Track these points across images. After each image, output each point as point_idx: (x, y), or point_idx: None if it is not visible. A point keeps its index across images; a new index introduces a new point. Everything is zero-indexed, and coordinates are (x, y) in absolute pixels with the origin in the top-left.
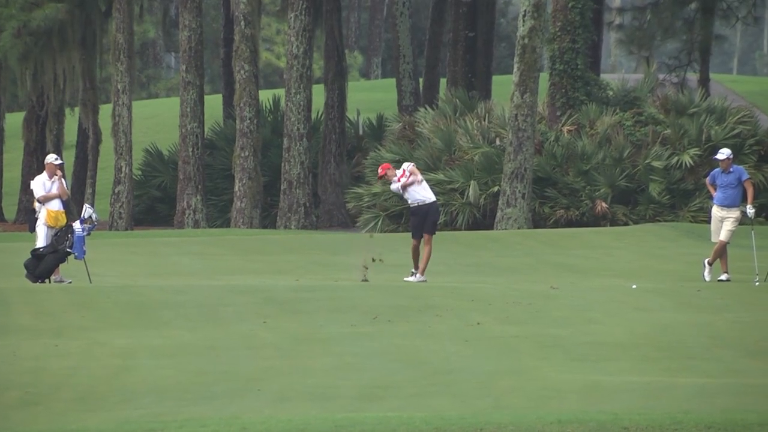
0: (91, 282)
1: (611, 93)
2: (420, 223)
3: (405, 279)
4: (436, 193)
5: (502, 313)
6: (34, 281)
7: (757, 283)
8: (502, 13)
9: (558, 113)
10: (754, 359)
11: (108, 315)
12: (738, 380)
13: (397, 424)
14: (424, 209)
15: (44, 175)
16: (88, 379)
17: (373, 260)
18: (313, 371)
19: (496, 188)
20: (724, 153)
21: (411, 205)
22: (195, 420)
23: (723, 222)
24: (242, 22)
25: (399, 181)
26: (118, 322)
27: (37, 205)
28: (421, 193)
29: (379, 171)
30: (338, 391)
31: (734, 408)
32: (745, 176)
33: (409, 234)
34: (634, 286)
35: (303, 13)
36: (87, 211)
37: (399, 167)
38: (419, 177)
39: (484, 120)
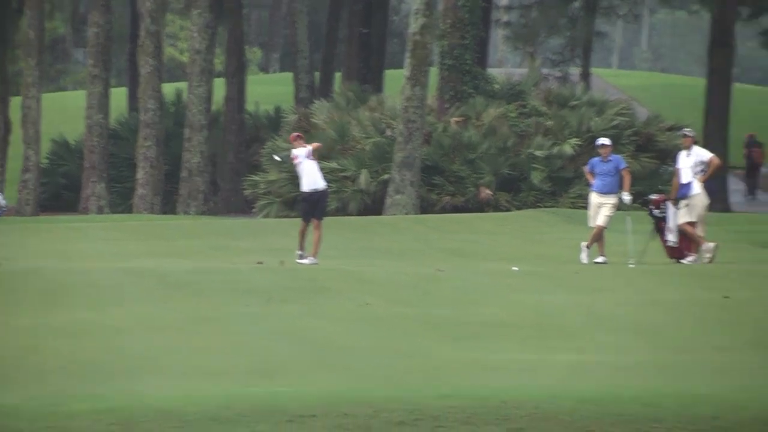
0: None
1: (497, 86)
2: (310, 208)
3: (297, 261)
4: (328, 181)
5: (390, 294)
6: None
7: (631, 266)
8: (395, 11)
9: (446, 105)
10: (628, 337)
11: (15, 297)
12: (613, 357)
13: (289, 399)
14: (316, 197)
15: None
16: None
17: (259, 262)
18: (209, 350)
19: (386, 176)
20: (605, 141)
21: (303, 191)
22: (97, 396)
23: (600, 208)
24: (147, 19)
25: (310, 155)
26: (26, 303)
27: None
28: (315, 179)
29: (294, 135)
30: (233, 368)
31: (609, 383)
32: (623, 165)
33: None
34: (515, 269)
35: (206, 10)
36: None
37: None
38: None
39: (376, 112)
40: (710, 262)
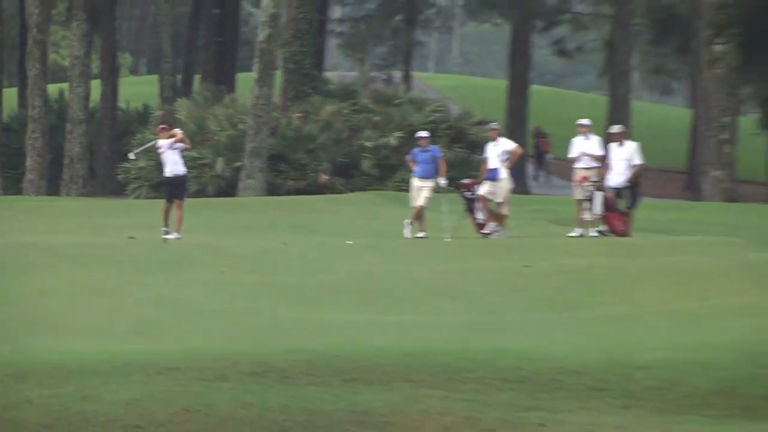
0: None
1: (332, 87)
2: (173, 190)
3: (163, 237)
4: (189, 167)
5: (243, 264)
6: None
7: (447, 240)
8: (245, 23)
9: (289, 103)
10: (446, 301)
11: None
12: (432, 318)
13: (159, 354)
14: (177, 181)
15: None
16: None
17: (131, 237)
18: (90, 313)
19: (239, 163)
20: (424, 134)
21: (166, 176)
22: None
23: (421, 190)
24: (34, 30)
25: (177, 143)
26: None
27: None
28: (176, 165)
29: (160, 127)
30: (111, 329)
31: (429, 339)
32: (439, 154)
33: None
34: (349, 242)
35: (84, 21)
36: None
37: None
38: (182, 145)
39: (230, 108)
40: (485, 237)
